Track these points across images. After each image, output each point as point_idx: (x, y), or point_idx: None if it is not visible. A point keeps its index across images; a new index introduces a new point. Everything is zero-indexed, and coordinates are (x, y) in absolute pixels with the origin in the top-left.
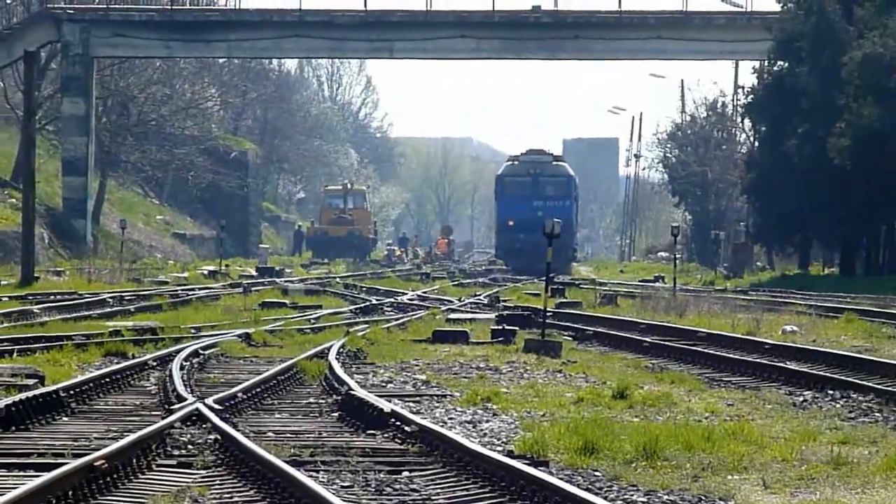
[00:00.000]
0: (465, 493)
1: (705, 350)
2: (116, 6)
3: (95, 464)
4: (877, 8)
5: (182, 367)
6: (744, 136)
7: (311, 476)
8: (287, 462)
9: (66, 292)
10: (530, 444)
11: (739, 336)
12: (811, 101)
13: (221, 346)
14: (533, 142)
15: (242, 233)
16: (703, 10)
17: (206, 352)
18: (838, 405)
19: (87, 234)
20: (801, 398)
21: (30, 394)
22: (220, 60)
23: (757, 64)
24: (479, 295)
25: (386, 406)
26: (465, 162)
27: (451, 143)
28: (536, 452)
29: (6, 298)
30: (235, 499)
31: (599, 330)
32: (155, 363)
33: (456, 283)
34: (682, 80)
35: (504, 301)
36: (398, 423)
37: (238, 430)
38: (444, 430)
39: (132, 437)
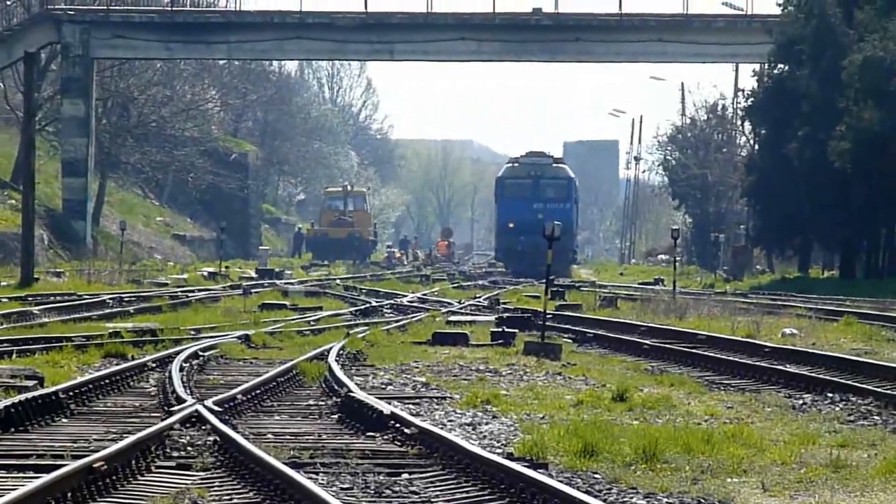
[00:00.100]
0: (464, 495)
1: (705, 353)
2: (116, 7)
3: (94, 465)
4: (877, 11)
5: (181, 369)
6: (744, 139)
7: (310, 478)
8: (286, 464)
9: (66, 293)
10: (530, 447)
11: (739, 339)
12: (811, 104)
13: (221, 347)
14: (533, 144)
15: (242, 234)
16: (704, 13)
17: (206, 353)
18: (838, 408)
19: (86, 235)
20: (801, 401)
21: (29, 395)
22: (221, 62)
23: (757, 67)
24: (479, 297)
25: (386, 408)
26: (465, 164)
27: (451, 145)
28: (536, 455)
29: (6, 299)
30: (235, 500)
31: (599, 332)
32: (154, 365)
33: (456, 285)
34: (683, 83)
35: (504, 303)
36: (398, 425)
37: (237, 432)
38: (443, 432)
39: (131, 438)
